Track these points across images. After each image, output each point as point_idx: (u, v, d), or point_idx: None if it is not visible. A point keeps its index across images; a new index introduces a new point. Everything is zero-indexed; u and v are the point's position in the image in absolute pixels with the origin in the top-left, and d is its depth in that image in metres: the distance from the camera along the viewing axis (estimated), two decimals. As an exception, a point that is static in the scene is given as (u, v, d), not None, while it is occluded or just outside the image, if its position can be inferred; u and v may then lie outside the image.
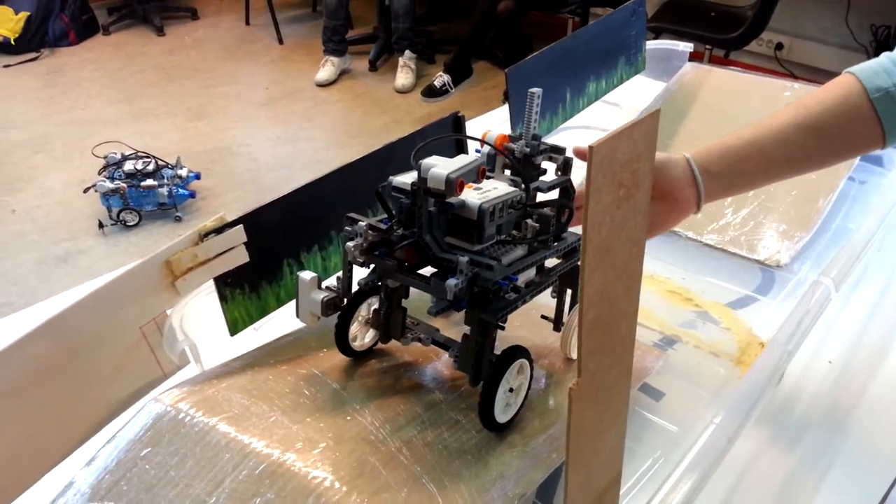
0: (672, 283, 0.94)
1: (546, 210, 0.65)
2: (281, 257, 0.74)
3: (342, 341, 0.66)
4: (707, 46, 2.92)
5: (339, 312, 0.65)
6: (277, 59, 3.92)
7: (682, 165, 0.69)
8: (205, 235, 0.66)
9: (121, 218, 2.46)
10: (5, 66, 3.72)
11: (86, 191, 2.48)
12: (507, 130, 0.69)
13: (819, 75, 3.15)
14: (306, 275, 0.63)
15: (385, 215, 0.62)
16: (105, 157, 2.52)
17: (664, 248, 0.99)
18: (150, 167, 2.49)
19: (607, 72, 1.22)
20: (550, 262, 0.67)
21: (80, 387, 0.61)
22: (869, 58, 0.69)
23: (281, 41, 4.08)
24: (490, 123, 1.18)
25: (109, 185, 2.40)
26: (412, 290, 0.63)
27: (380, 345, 0.69)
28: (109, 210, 2.45)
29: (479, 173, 0.59)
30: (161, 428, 0.58)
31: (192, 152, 2.94)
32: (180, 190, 2.51)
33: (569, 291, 0.70)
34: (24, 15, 3.81)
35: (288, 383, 0.64)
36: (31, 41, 3.85)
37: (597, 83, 1.20)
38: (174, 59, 3.90)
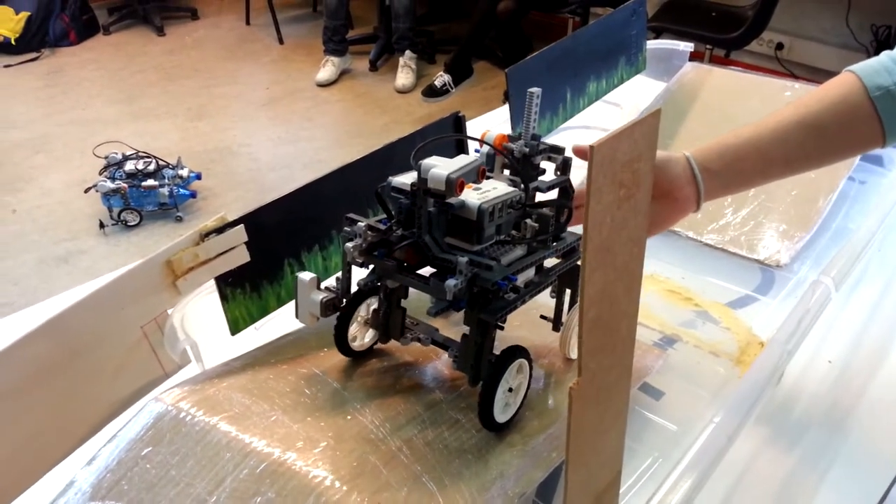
0: (672, 283, 0.94)
1: (545, 210, 0.65)
2: (282, 257, 0.74)
3: (341, 342, 0.66)
4: (707, 46, 2.92)
5: (338, 313, 0.65)
6: (278, 59, 3.92)
7: (681, 164, 0.69)
8: (206, 235, 0.66)
9: (122, 218, 2.46)
10: (6, 66, 3.72)
11: (87, 191, 2.49)
12: (508, 130, 0.69)
13: (819, 75, 3.15)
14: (305, 275, 0.63)
15: (384, 216, 0.62)
16: (106, 157, 2.52)
17: (664, 247, 0.99)
18: (151, 167, 2.49)
19: (608, 71, 1.22)
20: (550, 262, 0.67)
21: (80, 386, 0.62)
22: (869, 58, 0.69)
23: (281, 41, 4.08)
24: (490, 123, 1.18)
25: (110, 185, 2.40)
26: (411, 290, 0.63)
27: (379, 345, 0.69)
28: (110, 210, 2.45)
29: (479, 173, 0.59)
30: (162, 427, 0.58)
31: (193, 152, 2.94)
32: (181, 190, 2.51)
33: (568, 291, 0.70)
34: (24, 15, 3.81)
35: (289, 382, 0.64)
36: (32, 41, 3.85)
37: (597, 83, 1.20)
38: (174, 59, 3.90)
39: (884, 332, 0.86)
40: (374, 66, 3.77)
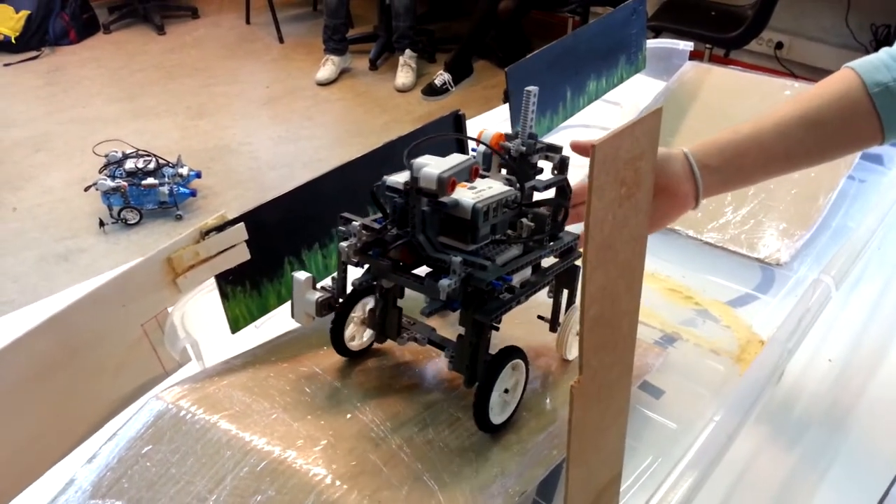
0: (672, 282, 0.94)
1: (542, 209, 0.65)
2: (282, 255, 0.74)
3: (338, 341, 0.66)
4: (707, 45, 2.92)
5: (333, 313, 0.64)
6: (278, 58, 3.92)
7: (680, 160, 0.69)
8: (206, 233, 0.66)
9: (122, 216, 2.46)
10: (6, 65, 3.72)
11: (87, 189, 2.49)
12: (508, 129, 0.68)
13: (819, 74, 3.11)
14: (301, 275, 0.63)
15: (381, 215, 0.62)
16: (106, 156, 2.52)
17: (664, 246, 0.99)
18: (151, 165, 2.49)
19: (608, 70, 1.22)
20: (547, 262, 0.67)
21: (80, 384, 0.61)
22: (869, 56, 0.69)
23: (281, 40, 4.08)
24: (490, 122, 1.18)
25: (110, 183, 2.40)
26: (408, 289, 0.63)
27: (377, 344, 0.69)
28: (110, 208, 2.45)
29: (471, 172, 0.58)
30: (162, 425, 0.58)
31: (193, 151, 2.94)
32: (181, 188, 2.51)
33: (565, 291, 0.69)
34: (24, 13, 3.81)
35: (289, 381, 0.64)
36: (32, 40, 3.85)
37: (597, 82, 1.20)
38: (175, 57, 3.90)
39: (884, 330, 0.86)
40: (374, 65, 3.77)
